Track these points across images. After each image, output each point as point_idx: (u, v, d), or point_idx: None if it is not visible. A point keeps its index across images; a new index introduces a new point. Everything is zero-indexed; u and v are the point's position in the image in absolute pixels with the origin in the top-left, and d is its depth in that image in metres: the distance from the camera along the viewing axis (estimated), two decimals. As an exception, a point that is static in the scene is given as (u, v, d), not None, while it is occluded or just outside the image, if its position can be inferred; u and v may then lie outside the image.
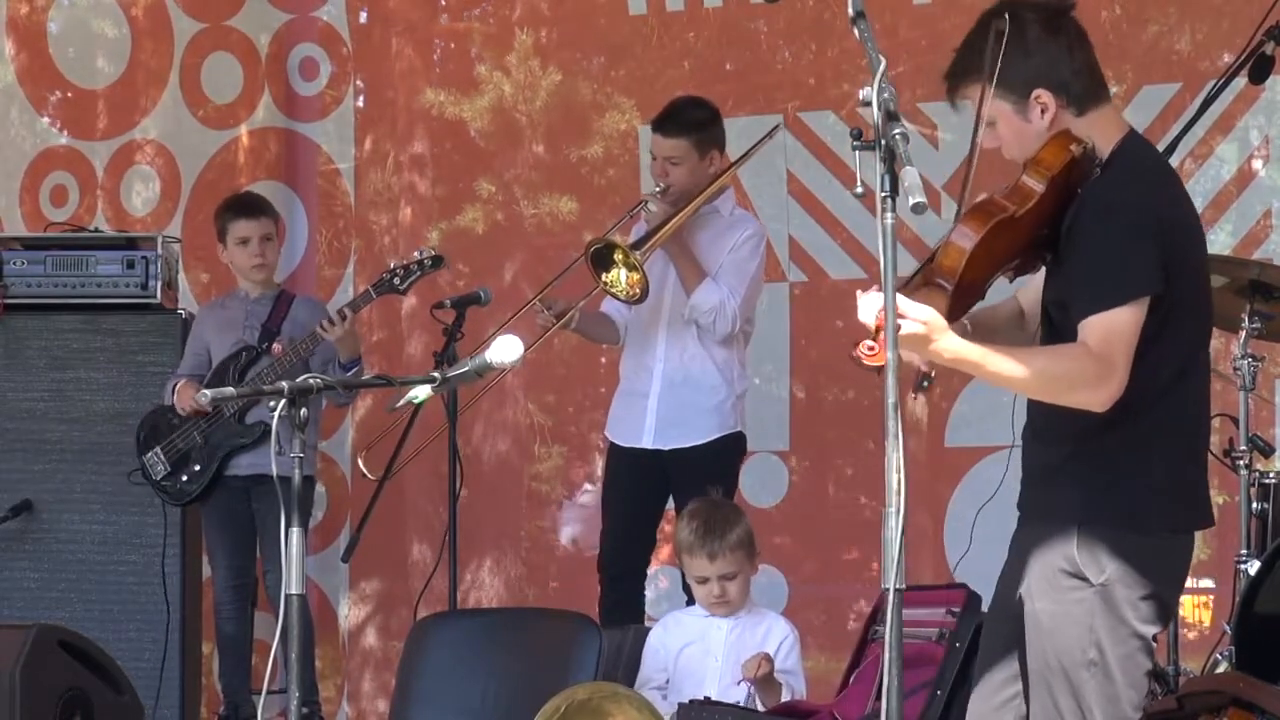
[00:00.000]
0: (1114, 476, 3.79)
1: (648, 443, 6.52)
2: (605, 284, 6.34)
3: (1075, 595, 3.78)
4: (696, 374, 6.47)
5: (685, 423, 6.45)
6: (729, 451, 6.50)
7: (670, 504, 6.56)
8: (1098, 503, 3.80)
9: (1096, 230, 3.72)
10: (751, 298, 6.53)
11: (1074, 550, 3.79)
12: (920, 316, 3.57)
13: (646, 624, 6.21)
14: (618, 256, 6.32)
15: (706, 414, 6.46)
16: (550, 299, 6.52)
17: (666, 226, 6.37)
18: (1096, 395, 3.70)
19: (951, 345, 3.65)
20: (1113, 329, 3.68)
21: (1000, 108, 3.81)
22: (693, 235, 6.51)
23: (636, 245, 6.35)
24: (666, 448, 6.49)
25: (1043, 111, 3.80)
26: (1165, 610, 3.83)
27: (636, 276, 6.29)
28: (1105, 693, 3.77)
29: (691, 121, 6.52)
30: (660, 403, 6.51)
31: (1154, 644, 3.86)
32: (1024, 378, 3.75)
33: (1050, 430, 3.89)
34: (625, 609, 6.40)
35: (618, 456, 6.63)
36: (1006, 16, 3.72)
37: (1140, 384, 3.72)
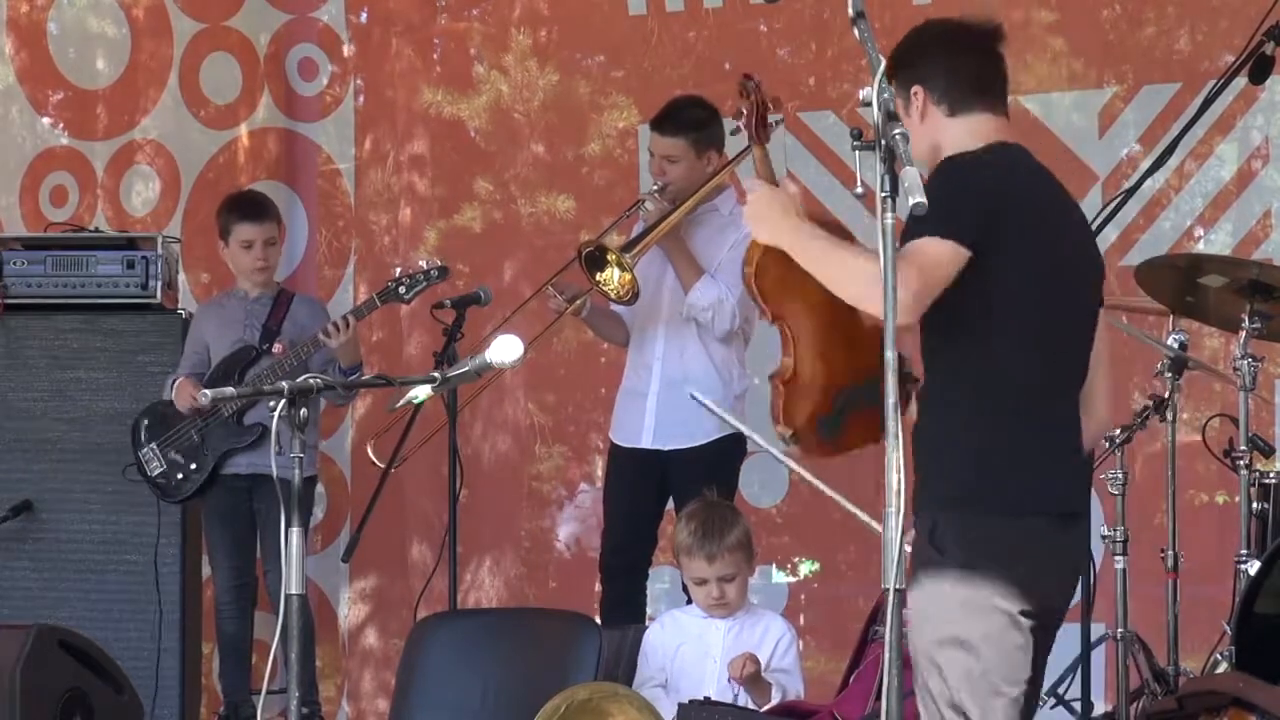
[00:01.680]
0: (946, 461, 3.89)
1: (647, 442, 6.52)
2: (599, 283, 6.33)
3: (931, 578, 3.84)
4: (695, 374, 6.47)
5: (684, 423, 6.44)
6: (728, 452, 6.49)
7: (671, 504, 6.55)
8: (939, 487, 3.88)
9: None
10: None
11: (924, 537, 3.87)
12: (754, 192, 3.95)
13: (647, 624, 6.21)
14: (611, 257, 6.31)
15: (706, 415, 6.45)
16: (562, 284, 6.52)
17: (662, 225, 6.37)
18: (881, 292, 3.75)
19: (780, 227, 3.94)
20: (919, 248, 3.77)
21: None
22: (691, 234, 6.50)
23: (631, 244, 6.35)
24: (666, 448, 6.49)
25: (915, 107, 4.04)
26: (1031, 588, 3.87)
27: (627, 278, 6.28)
28: (968, 669, 3.82)
29: (690, 120, 6.52)
30: (659, 402, 6.50)
31: (1025, 620, 3.87)
32: (835, 270, 3.89)
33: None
34: (625, 609, 6.40)
35: (618, 457, 6.63)
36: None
37: (971, 360, 3.85)
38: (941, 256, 3.78)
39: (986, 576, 3.82)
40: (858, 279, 3.79)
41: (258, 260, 7.08)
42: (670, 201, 6.42)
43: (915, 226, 3.77)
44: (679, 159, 6.47)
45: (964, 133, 4.01)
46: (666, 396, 6.49)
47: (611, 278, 6.32)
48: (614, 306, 6.59)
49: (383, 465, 6.67)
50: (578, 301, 6.47)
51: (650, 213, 6.45)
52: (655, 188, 6.48)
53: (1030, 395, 3.90)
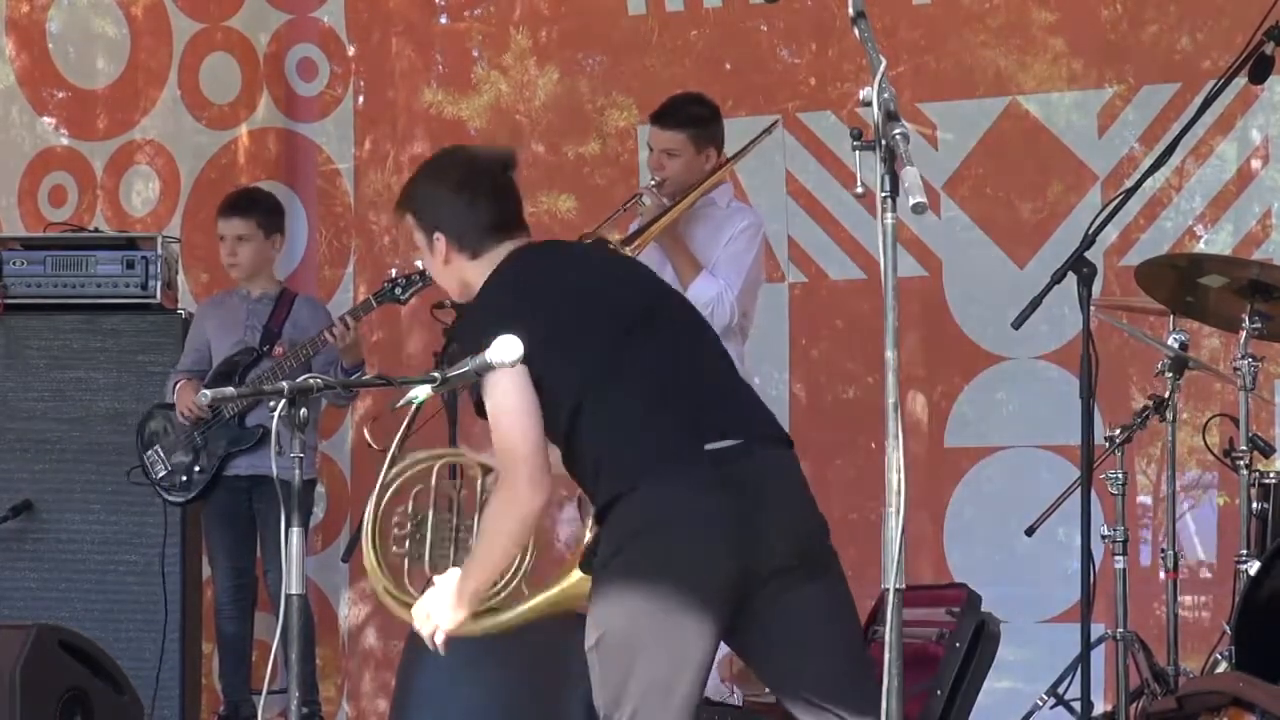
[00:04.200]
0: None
1: None
2: None
3: None
4: None
5: None
6: None
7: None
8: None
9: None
10: (750, 289, 6.49)
11: None
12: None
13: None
14: (610, 249, 6.30)
15: None
16: None
17: (661, 220, 6.36)
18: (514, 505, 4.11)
19: (450, 604, 4.20)
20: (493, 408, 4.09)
21: (420, 239, 4.33)
22: (689, 229, 6.49)
23: (629, 239, 6.34)
24: None
25: (438, 251, 4.27)
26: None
27: None
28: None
29: (690, 116, 6.52)
30: None
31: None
32: (488, 568, 4.24)
33: None
34: None
35: None
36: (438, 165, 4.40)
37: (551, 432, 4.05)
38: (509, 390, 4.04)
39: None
40: (493, 554, 4.18)
41: (228, 256, 7.13)
42: (668, 197, 6.42)
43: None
44: (678, 154, 6.46)
45: (489, 268, 4.22)
46: None
47: None
48: None
49: (380, 448, 6.68)
50: None
51: (648, 208, 6.44)
52: (653, 182, 6.48)
53: (603, 439, 4.06)
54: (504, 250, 4.24)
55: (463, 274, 4.26)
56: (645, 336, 4.10)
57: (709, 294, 6.39)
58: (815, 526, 4.07)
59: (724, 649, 5.48)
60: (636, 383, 4.03)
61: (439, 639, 4.22)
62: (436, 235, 4.26)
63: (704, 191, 6.45)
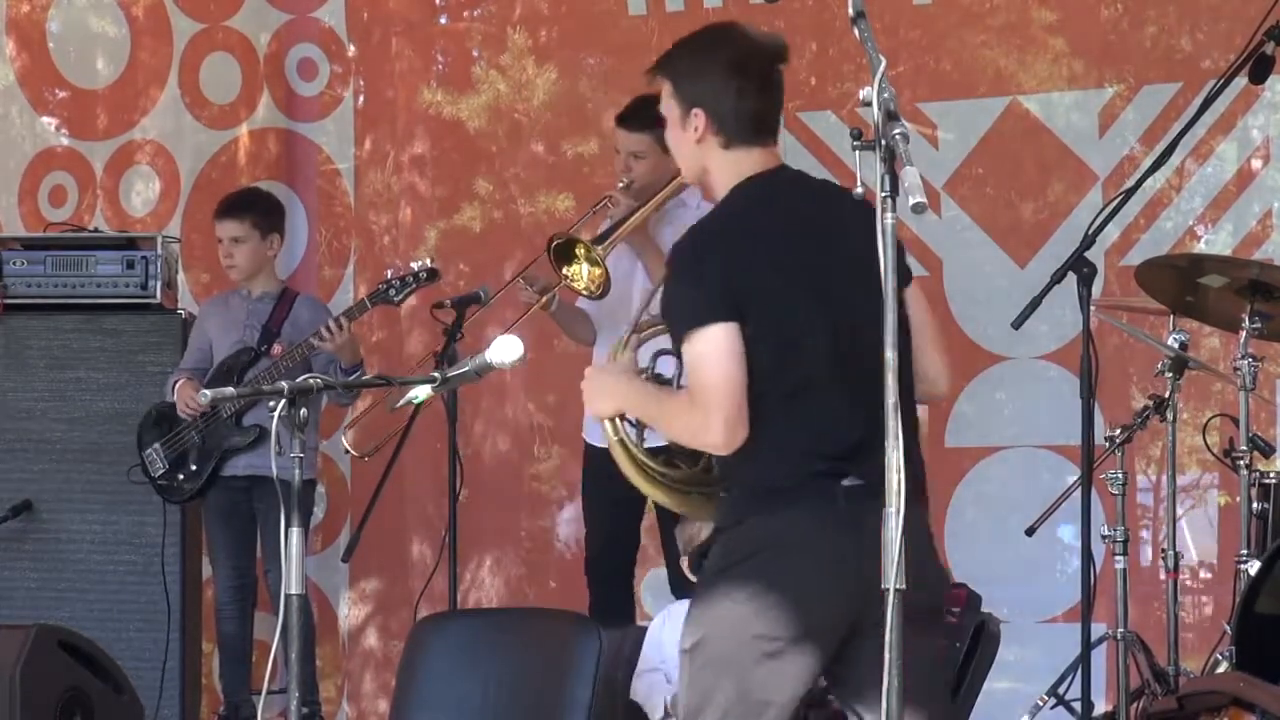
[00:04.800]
0: None
1: None
2: (566, 278, 6.31)
3: None
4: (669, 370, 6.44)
5: None
6: None
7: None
8: None
9: (670, 272, 4.06)
10: None
11: None
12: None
13: (641, 623, 6.21)
14: (579, 251, 6.28)
15: None
16: (532, 277, 6.50)
17: (630, 220, 6.35)
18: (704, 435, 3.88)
19: (616, 395, 4.08)
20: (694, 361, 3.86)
21: (670, 106, 4.13)
22: (659, 229, 6.46)
23: (599, 240, 6.32)
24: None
25: (695, 128, 4.06)
26: None
27: (598, 272, 6.24)
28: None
29: (656, 117, 6.45)
30: None
31: None
32: (661, 421, 4.02)
33: None
34: (616, 611, 6.37)
35: (593, 458, 6.59)
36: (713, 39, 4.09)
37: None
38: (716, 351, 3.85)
39: None
40: (676, 422, 3.94)
41: (225, 257, 7.12)
42: (636, 198, 6.40)
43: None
44: (645, 155, 6.44)
45: (727, 169, 4.06)
46: None
47: (580, 272, 6.29)
48: (581, 303, 6.55)
49: (359, 454, 6.68)
50: (547, 296, 6.44)
51: (618, 209, 6.42)
52: (621, 184, 6.46)
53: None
54: (755, 156, 4.03)
55: (708, 159, 4.06)
56: (844, 351, 3.91)
57: None
58: (934, 582, 3.97)
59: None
60: (820, 394, 3.89)
61: (588, 409, 4.20)
62: (695, 111, 4.05)
63: (672, 192, 6.43)
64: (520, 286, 6.49)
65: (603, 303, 6.42)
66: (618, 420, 4.12)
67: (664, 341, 4.13)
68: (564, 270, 6.29)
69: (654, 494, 4.17)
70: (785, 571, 3.80)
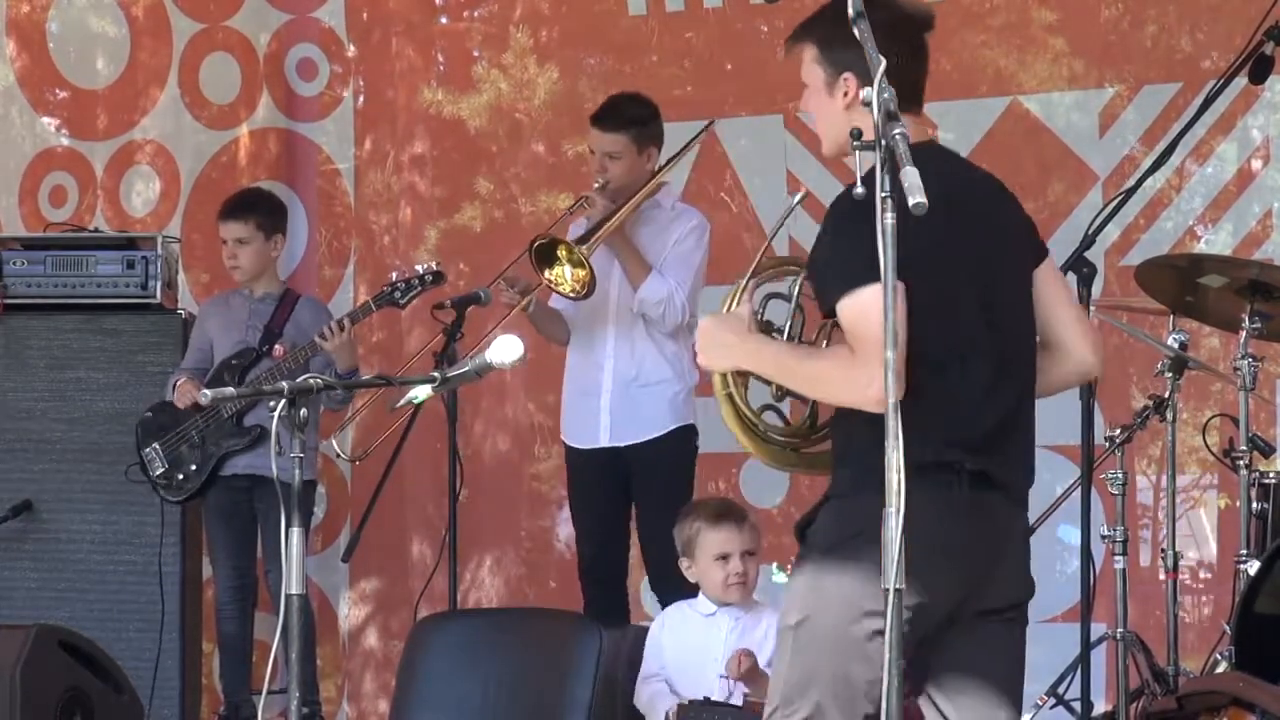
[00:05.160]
0: None
1: (604, 441, 6.47)
2: (550, 280, 6.30)
3: None
4: (649, 369, 6.45)
5: (640, 418, 6.42)
6: (685, 443, 6.48)
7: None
8: None
9: (827, 227, 3.92)
10: (697, 289, 6.49)
11: None
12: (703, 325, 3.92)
13: (640, 623, 6.21)
14: (562, 253, 6.26)
15: (661, 408, 6.43)
16: (513, 278, 6.49)
17: (610, 222, 6.34)
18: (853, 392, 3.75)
19: (735, 349, 3.91)
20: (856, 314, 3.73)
21: (815, 74, 3.99)
22: (635, 231, 6.47)
23: (579, 243, 6.32)
24: (624, 444, 6.45)
25: (845, 94, 3.93)
26: None
27: (583, 273, 6.23)
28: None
29: (630, 117, 6.51)
30: (613, 400, 6.46)
31: None
32: (804, 382, 3.90)
33: None
34: (611, 613, 6.36)
35: (576, 460, 6.59)
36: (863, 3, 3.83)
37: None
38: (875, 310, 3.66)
39: None
40: (829, 377, 3.81)
41: (229, 259, 7.13)
42: (611, 199, 6.40)
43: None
44: (620, 155, 6.44)
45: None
46: (620, 393, 6.46)
47: (564, 274, 6.28)
48: (556, 303, 6.52)
49: (349, 458, 6.69)
50: (527, 298, 6.44)
51: (594, 210, 6.42)
52: (596, 184, 6.45)
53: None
54: (906, 123, 3.83)
55: (858, 125, 3.78)
56: (994, 331, 3.86)
57: (660, 293, 6.38)
58: (1029, 586, 3.95)
59: (720, 643, 5.49)
60: (965, 372, 3.82)
61: (701, 362, 4.04)
62: (846, 76, 3.92)
63: (650, 193, 6.44)
64: (501, 288, 6.48)
65: (579, 305, 6.42)
66: (730, 375, 4.03)
67: (777, 286, 4.04)
68: (546, 273, 6.28)
69: (758, 451, 4.09)
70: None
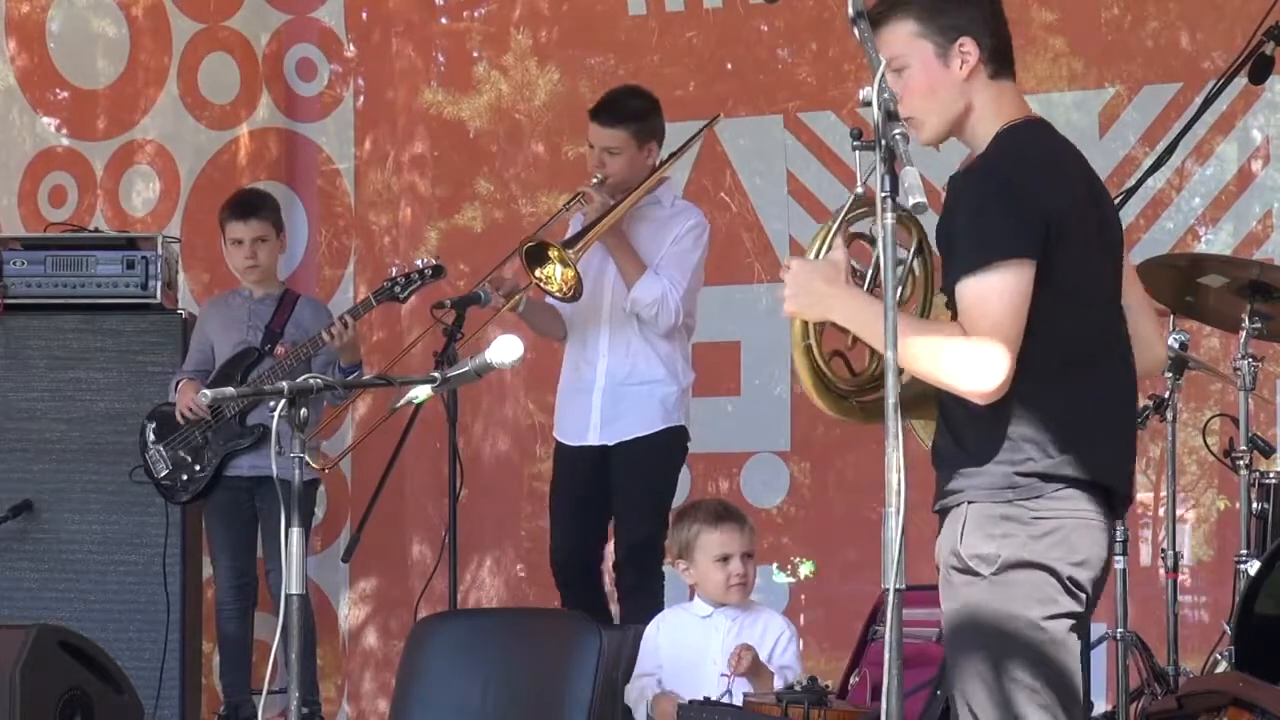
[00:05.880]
0: None
1: (593, 439, 6.45)
2: (539, 280, 6.28)
3: None
4: (642, 368, 6.43)
5: (630, 416, 6.40)
6: (672, 444, 6.45)
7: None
8: None
9: (965, 201, 3.64)
10: (694, 289, 6.45)
11: None
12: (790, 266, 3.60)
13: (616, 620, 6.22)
14: (552, 254, 6.26)
15: (651, 407, 6.40)
16: (498, 280, 6.47)
17: (604, 220, 6.30)
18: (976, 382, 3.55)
19: (828, 300, 3.62)
20: (983, 294, 3.53)
21: (920, 47, 3.72)
22: (633, 227, 6.43)
23: (573, 241, 6.30)
24: (612, 442, 6.44)
25: (962, 62, 3.71)
26: None
27: (571, 274, 6.22)
28: None
29: (630, 111, 6.45)
30: (604, 398, 6.44)
31: None
32: (918, 351, 3.56)
33: None
34: (587, 610, 6.36)
35: (564, 456, 6.58)
36: None
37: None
38: (1011, 288, 3.52)
39: None
40: (939, 353, 3.55)
41: (247, 259, 7.10)
42: (611, 194, 6.36)
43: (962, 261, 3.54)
44: (619, 151, 6.38)
45: (998, 104, 3.72)
46: (612, 392, 6.44)
47: (554, 274, 6.25)
48: (549, 301, 6.52)
49: (319, 467, 6.70)
50: (515, 298, 6.42)
51: (592, 206, 6.39)
52: (595, 179, 6.41)
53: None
54: (1015, 90, 3.71)
55: (974, 96, 3.69)
56: (1121, 329, 3.73)
57: (653, 293, 6.35)
58: None
59: (717, 644, 5.49)
60: (1097, 372, 3.65)
61: (790, 307, 3.67)
62: (962, 42, 3.67)
63: (648, 189, 6.40)
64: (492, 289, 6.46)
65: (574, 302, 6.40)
66: (812, 325, 3.71)
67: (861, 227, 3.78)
68: (537, 272, 6.26)
69: (824, 402, 3.84)
70: (1080, 548, 3.61)
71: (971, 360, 3.52)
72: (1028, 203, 3.56)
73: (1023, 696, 3.56)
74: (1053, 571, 3.59)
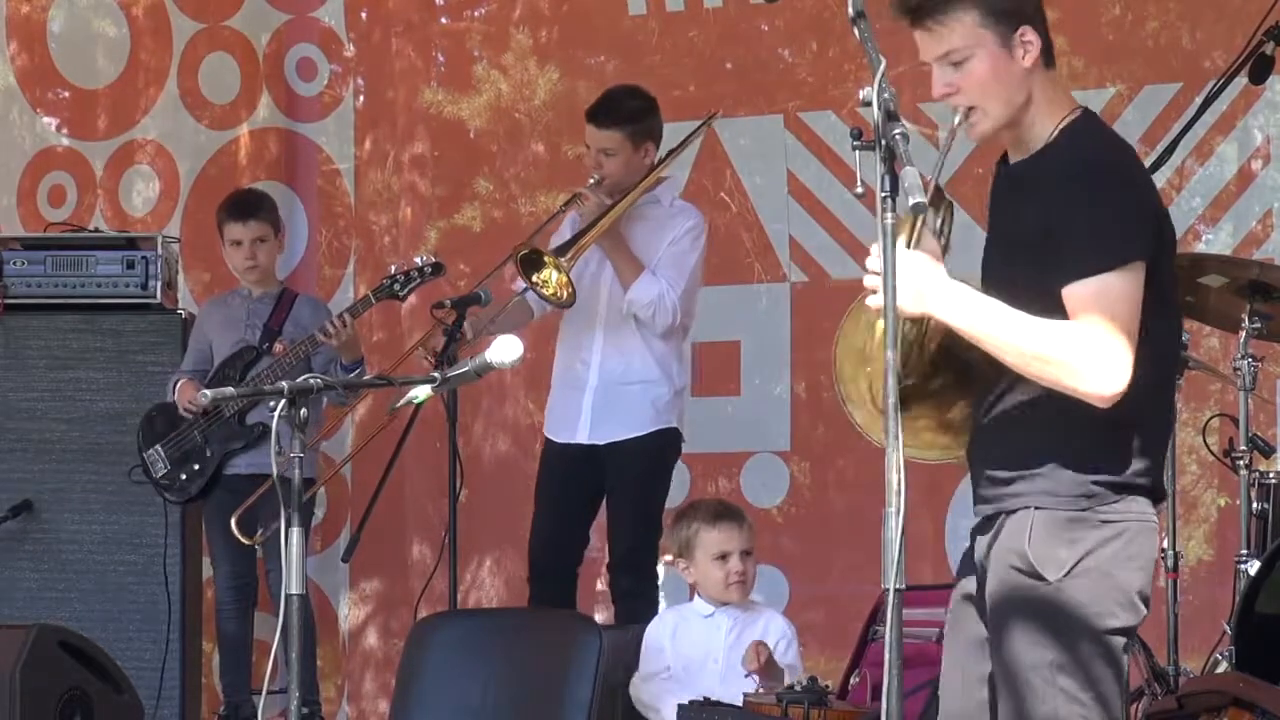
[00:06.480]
0: None
1: (583, 438, 6.45)
2: (536, 284, 6.27)
3: None
4: (637, 368, 6.41)
5: (621, 416, 6.40)
6: (664, 447, 6.45)
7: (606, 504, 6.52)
8: None
9: (1076, 190, 3.54)
10: (692, 290, 6.45)
11: None
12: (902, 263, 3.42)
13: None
14: (547, 259, 6.24)
15: (643, 408, 6.40)
16: (477, 318, 6.35)
17: (600, 222, 6.29)
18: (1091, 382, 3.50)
19: (934, 295, 3.51)
20: (1107, 297, 3.48)
21: (983, 37, 3.63)
22: (631, 227, 6.42)
23: (566, 246, 6.29)
24: (602, 442, 6.44)
25: (1025, 51, 3.64)
26: None
27: (565, 279, 6.22)
28: None
29: (625, 113, 6.43)
30: (596, 397, 6.44)
31: None
32: (1017, 351, 3.50)
33: None
34: (556, 607, 6.36)
35: (552, 453, 6.57)
36: None
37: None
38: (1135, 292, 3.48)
39: None
40: (1056, 352, 3.47)
41: (247, 259, 7.11)
42: (608, 195, 6.35)
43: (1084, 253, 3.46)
44: (616, 151, 6.38)
45: (1053, 95, 3.65)
46: (604, 391, 6.43)
47: (549, 278, 6.25)
48: (550, 307, 6.49)
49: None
50: (506, 305, 6.41)
51: (588, 207, 6.38)
52: (592, 180, 6.40)
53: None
54: (1062, 83, 3.66)
55: (1035, 86, 3.60)
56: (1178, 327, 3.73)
57: (650, 294, 6.34)
58: None
59: (719, 644, 5.49)
60: (1170, 379, 3.67)
61: (868, 300, 3.51)
62: (1024, 30, 3.59)
63: (645, 190, 6.39)
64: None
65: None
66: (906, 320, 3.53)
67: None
68: (534, 276, 6.25)
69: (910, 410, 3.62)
70: (1143, 551, 3.63)
71: (1099, 362, 3.46)
72: (1143, 203, 3.54)
73: (1069, 707, 3.64)
74: (1120, 582, 3.60)
